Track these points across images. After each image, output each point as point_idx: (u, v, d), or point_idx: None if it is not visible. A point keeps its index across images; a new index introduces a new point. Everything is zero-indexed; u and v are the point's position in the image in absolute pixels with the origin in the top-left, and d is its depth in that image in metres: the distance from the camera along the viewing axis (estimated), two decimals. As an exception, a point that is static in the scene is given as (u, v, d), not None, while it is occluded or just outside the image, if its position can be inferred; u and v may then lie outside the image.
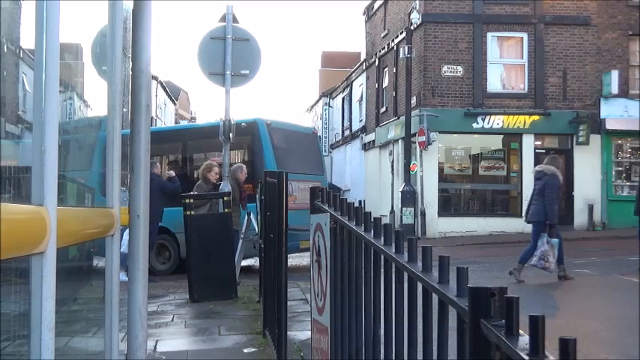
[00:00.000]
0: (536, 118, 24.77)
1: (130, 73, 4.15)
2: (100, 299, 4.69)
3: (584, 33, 25.08)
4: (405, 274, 2.45)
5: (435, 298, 2.14)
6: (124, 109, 3.99)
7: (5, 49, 4.66)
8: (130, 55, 4.11)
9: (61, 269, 2.16)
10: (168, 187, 13.33)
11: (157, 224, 12.83)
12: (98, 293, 5.76)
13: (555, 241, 11.69)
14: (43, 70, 2.08)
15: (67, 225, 2.45)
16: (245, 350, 7.06)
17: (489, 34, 25.24)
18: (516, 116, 24.76)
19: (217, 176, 12.48)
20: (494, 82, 25.37)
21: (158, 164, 13.93)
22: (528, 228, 23.60)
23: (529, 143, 24.85)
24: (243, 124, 13.68)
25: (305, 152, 16.37)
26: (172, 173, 14.02)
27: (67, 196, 4.80)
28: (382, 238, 2.81)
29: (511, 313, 1.52)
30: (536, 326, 1.38)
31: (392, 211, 26.81)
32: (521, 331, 1.51)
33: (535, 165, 24.58)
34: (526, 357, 1.37)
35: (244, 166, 13.18)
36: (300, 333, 7.46)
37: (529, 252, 11.92)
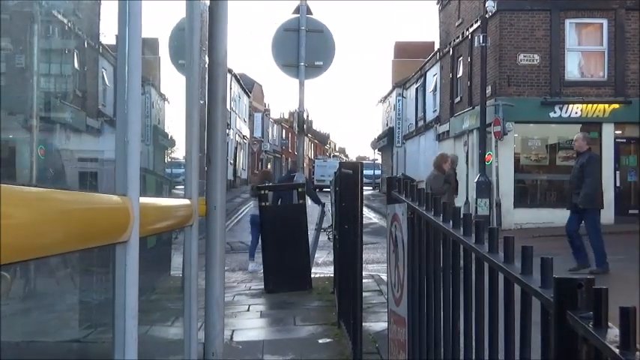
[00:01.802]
0: (617, 106, 24.04)
1: (207, 65, 4.20)
2: (177, 289, 4.77)
3: (667, 18, 24.24)
4: (486, 265, 2.41)
5: (517, 289, 2.10)
6: (201, 101, 4.04)
7: (86, 45, 4.78)
8: (206, 49, 4.16)
9: (141, 259, 2.20)
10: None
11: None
12: (176, 283, 5.86)
13: None
14: (125, 64, 2.12)
15: (149, 215, 2.50)
16: (320, 341, 7.08)
17: (567, 21, 24.60)
18: (596, 105, 24.07)
19: (449, 166, 12.56)
20: (573, 70, 24.74)
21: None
22: (607, 220, 23.02)
23: (609, 132, 24.15)
24: None
25: None
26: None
27: (146, 188, 4.89)
28: (462, 228, 2.77)
29: (600, 304, 1.48)
30: (628, 318, 1.33)
31: (467, 202, 26.48)
32: (610, 324, 1.46)
33: (615, 155, 24.08)
34: (617, 350, 1.33)
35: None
36: (374, 324, 7.44)
37: None
